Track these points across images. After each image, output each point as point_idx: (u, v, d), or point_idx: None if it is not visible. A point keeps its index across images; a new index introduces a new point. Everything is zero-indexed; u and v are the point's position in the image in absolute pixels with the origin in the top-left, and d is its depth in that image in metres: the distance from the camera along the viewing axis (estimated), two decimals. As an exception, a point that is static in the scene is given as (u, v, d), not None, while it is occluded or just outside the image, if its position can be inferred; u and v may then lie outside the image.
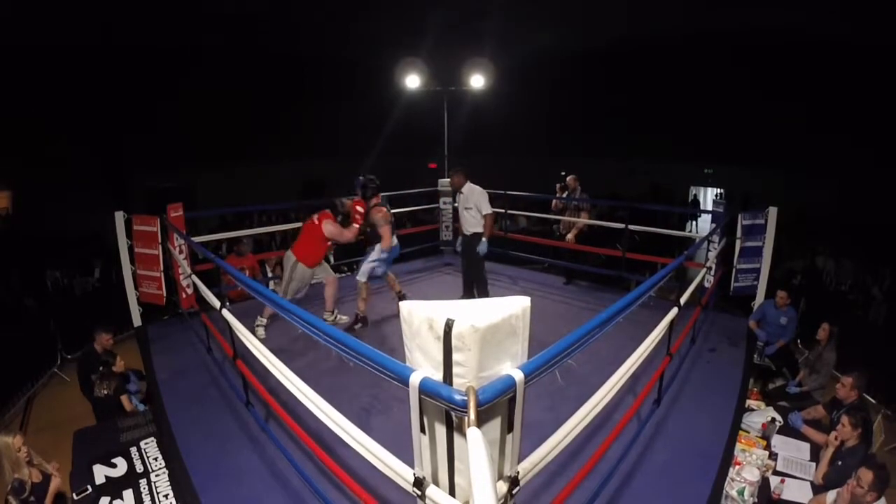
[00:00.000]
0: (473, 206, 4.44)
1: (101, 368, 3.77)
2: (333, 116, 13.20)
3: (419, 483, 1.29)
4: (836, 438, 2.94)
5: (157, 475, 2.78)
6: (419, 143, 11.38)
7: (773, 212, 4.43)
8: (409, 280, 5.57)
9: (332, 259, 6.45)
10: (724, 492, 2.51)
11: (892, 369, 4.77)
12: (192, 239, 4.31)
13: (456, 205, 5.28)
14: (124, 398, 3.67)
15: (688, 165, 13.78)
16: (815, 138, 10.35)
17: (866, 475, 2.39)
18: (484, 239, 4.44)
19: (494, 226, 4.48)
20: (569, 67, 13.07)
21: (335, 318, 4.36)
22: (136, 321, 4.39)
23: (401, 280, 5.61)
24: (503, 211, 6.34)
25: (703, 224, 13.87)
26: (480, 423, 1.02)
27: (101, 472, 2.82)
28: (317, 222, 4.00)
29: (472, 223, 4.49)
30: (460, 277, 5.93)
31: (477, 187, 4.49)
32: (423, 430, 1.23)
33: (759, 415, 3.40)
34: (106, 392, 3.61)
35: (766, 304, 4.44)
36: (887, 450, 4.11)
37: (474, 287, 4.72)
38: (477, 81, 6.71)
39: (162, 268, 4.33)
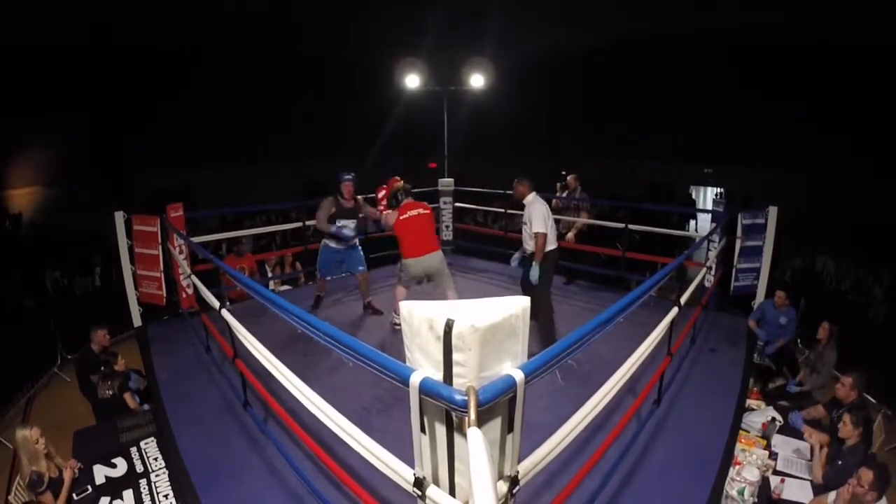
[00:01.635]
0: (528, 222, 3.85)
1: (102, 369, 3.77)
2: (333, 116, 13.19)
3: (419, 483, 1.29)
4: (827, 437, 2.95)
5: (157, 475, 2.78)
6: (419, 143, 11.38)
7: (773, 211, 4.43)
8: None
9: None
10: (724, 492, 2.51)
11: (892, 369, 4.77)
12: (192, 239, 4.31)
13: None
14: (128, 396, 3.67)
15: (688, 165, 13.77)
16: (816, 138, 10.35)
17: (867, 475, 2.39)
18: (535, 262, 3.76)
19: (545, 247, 3.79)
20: (569, 67, 13.06)
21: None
22: (136, 321, 4.39)
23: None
24: (503, 210, 6.34)
25: (703, 224, 13.87)
26: (481, 422, 1.02)
27: (101, 473, 2.82)
28: (427, 211, 4.00)
29: (529, 241, 3.88)
30: (460, 277, 5.95)
31: (539, 201, 3.89)
32: (423, 429, 1.23)
33: (760, 414, 3.41)
34: (111, 392, 3.62)
35: (766, 304, 4.44)
36: (887, 450, 4.11)
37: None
38: (477, 81, 6.71)
39: (162, 268, 4.33)
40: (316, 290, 4.83)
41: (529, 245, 3.87)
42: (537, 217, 3.79)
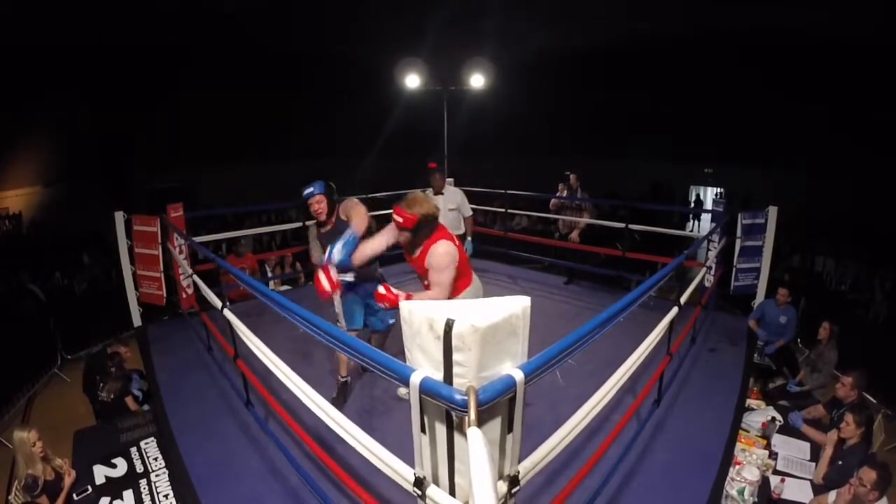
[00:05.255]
0: (457, 208, 4.53)
1: (108, 370, 3.79)
2: (333, 116, 13.20)
3: (419, 483, 1.29)
4: (836, 436, 2.94)
5: (157, 475, 2.78)
6: (419, 143, 11.38)
7: (773, 211, 4.42)
8: (408, 280, 5.56)
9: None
10: (724, 491, 2.51)
11: (893, 369, 4.77)
12: (193, 239, 4.31)
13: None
14: (129, 400, 3.68)
15: (688, 165, 13.78)
16: (816, 138, 10.35)
17: (869, 474, 2.39)
18: (469, 238, 4.52)
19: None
20: (569, 66, 13.06)
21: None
22: (137, 321, 4.39)
23: (400, 280, 5.59)
24: (503, 210, 6.33)
25: (705, 224, 13.86)
26: (481, 422, 1.01)
27: (101, 473, 2.82)
28: None
29: (455, 225, 4.51)
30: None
31: (458, 189, 4.60)
32: (423, 429, 1.23)
33: (760, 414, 3.41)
34: (113, 396, 3.63)
35: (766, 303, 4.44)
36: (887, 449, 4.11)
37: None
38: (477, 81, 6.70)
39: (162, 268, 4.33)
40: (341, 374, 3.02)
41: (455, 229, 4.40)
42: (466, 201, 4.62)
